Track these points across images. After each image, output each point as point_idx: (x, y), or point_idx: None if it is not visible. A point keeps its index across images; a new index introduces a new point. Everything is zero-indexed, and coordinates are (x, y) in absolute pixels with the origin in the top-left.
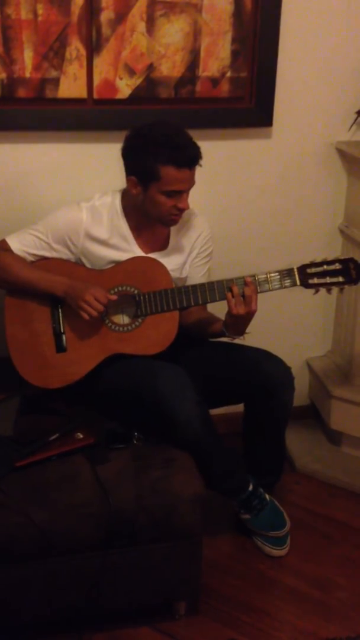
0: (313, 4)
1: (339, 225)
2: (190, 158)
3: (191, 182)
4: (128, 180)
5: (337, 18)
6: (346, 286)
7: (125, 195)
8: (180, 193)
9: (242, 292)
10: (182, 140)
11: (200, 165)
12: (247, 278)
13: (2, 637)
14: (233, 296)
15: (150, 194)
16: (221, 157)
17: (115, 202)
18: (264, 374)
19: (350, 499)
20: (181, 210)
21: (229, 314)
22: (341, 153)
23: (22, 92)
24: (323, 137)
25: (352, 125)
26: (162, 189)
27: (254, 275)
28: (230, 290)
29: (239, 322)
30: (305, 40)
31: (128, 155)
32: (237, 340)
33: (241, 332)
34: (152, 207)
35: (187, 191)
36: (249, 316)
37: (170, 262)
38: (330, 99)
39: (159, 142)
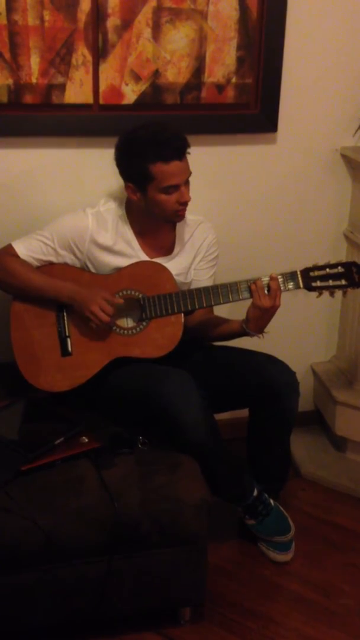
0: (318, 10)
1: (343, 230)
2: (176, 149)
3: (186, 173)
4: (126, 188)
5: (342, 24)
6: (349, 289)
7: (129, 202)
8: (177, 187)
9: (268, 286)
10: (164, 135)
11: (189, 154)
12: (272, 274)
13: None
14: (257, 288)
15: (150, 196)
16: (226, 162)
17: (120, 208)
18: (269, 379)
19: (355, 505)
20: (184, 204)
21: (253, 305)
22: (346, 159)
23: (28, 98)
24: (328, 143)
25: (356, 131)
26: (159, 187)
27: (258, 278)
28: (255, 283)
29: (262, 317)
30: (310, 46)
31: (120, 164)
32: (253, 341)
33: (262, 328)
34: (156, 208)
35: (184, 183)
36: (272, 310)
37: (176, 266)
38: (335, 104)
39: (142, 142)
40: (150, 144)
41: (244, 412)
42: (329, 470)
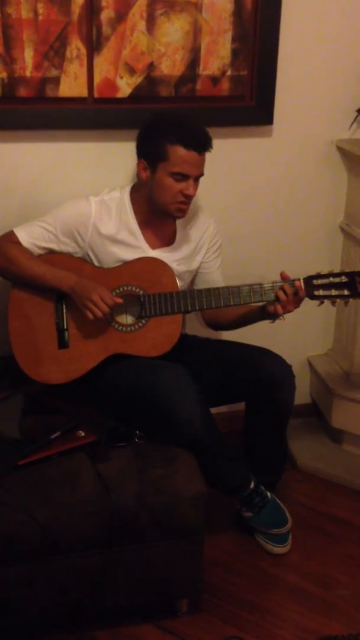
0: (313, 2)
1: (339, 223)
2: (200, 141)
3: (199, 169)
4: (138, 165)
5: (337, 16)
6: (351, 300)
7: (133, 190)
8: (187, 177)
9: (295, 292)
10: (193, 124)
11: (210, 151)
12: (295, 282)
13: (4, 636)
14: (287, 296)
15: (158, 176)
16: (222, 155)
17: (123, 197)
18: (265, 373)
19: (351, 496)
20: (188, 198)
21: (274, 317)
22: (342, 151)
23: (22, 91)
24: (323, 135)
25: (352, 123)
26: (170, 169)
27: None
28: (284, 291)
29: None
30: (306, 38)
31: (141, 138)
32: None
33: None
34: (159, 192)
35: (194, 177)
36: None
37: (178, 255)
38: (331, 97)
39: (170, 122)
40: (177, 126)
41: (240, 406)
42: (325, 462)
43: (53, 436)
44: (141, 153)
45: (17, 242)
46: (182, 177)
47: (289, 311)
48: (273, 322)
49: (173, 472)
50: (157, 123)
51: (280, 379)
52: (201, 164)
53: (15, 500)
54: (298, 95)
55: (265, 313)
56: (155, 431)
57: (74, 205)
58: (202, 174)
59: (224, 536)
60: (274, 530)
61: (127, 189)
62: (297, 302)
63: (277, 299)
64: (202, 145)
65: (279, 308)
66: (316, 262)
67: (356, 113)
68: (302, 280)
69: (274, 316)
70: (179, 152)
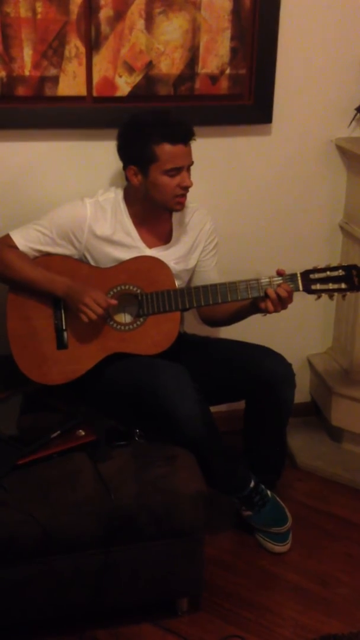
0: (312, 0)
1: (339, 221)
2: (183, 133)
3: (189, 158)
4: (128, 172)
5: (336, 14)
6: (348, 293)
7: (127, 191)
8: (180, 170)
9: (276, 293)
10: (172, 118)
11: (194, 140)
12: (283, 285)
13: (4, 636)
14: (272, 301)
15: (151, 178)
16: (220, 154)
17: (118, 197)
18: (265, 371)
19: (351, 495)
20: (186, 189)
21: (266, 312)
22: (341, 150)
23: (21, 90)
24: (322, 134)
25: (351, 122)
26: (162, 168)
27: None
28: (267, 295)
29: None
30: (305, 36)
31: (123, 146)
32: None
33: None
34: (157, 192)
35: (187, 168)
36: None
37: (174, 254)
38: (330, 95)
39: (149, 123)
40: (157, 125)
41: (240, 405)
42: (325, 461)
43: (53, 435)
44: (128, 160)
45: (14, 246)
46: (176, 171)
47: (277, 311)
48: (265, 316)
49: (173, 472)
50: (136, 127)
51: (280, 377)
52: (190, 154)
53: (15, 499)
54: (297, 93)
55: (257, 308)
56: (155, 430)
57: (69, 207)
58: (192, 163)
59: (224, 535)
60: (274, 529)
61: (121, 190)
62: (283, 304)
63: (268, 296)
64: (186, 135)
65: (270, 306)
66: (315, 261)
67: (355, 111)
68: (299, 275)
69: (265, 311)
70: (167, 150)
